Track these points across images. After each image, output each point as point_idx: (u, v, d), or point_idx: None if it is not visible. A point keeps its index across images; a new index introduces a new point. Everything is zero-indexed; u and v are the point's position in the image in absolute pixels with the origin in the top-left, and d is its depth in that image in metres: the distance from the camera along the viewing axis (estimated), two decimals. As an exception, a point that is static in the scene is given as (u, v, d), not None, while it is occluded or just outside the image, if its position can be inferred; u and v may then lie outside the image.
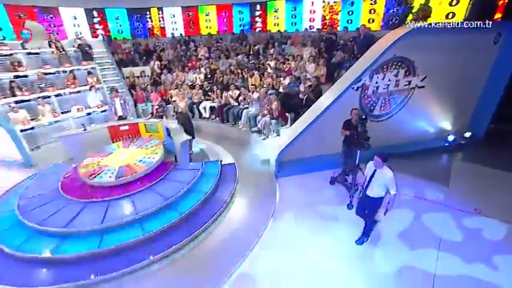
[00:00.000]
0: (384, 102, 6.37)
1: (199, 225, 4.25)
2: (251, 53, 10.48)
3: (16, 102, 7.41)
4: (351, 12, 10.96)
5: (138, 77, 9.91)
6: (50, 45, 8.92)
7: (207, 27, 13.56)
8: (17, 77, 7.86)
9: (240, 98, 7.96)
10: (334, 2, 11.19)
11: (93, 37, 12.32)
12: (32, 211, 4.39)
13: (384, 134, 6.21)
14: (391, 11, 9.83)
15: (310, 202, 5.00)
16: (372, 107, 6.28)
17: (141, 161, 5.29)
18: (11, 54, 8.09)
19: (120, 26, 13.15)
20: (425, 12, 7.42)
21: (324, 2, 11.42)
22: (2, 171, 6.62)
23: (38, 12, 11.28)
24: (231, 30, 13.35)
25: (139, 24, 13.46)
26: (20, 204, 4.60)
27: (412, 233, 4.21)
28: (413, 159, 6.25)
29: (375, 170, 3.60)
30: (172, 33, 13.06)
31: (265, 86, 7.96)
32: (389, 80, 6.08)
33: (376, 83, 6.00)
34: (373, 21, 10.40)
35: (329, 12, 11.47)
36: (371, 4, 10.32)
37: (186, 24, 13.66)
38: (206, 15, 13.53)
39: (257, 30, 13.14)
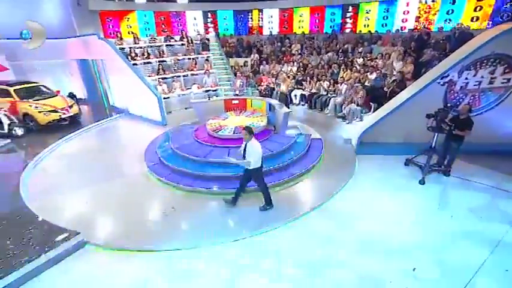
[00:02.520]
0: (473, 99, 6.58)
1: (294, 173, 5.69)
2: (341, 51, 11.46)
3: (161, 78, 10.24)
4: (450, 11, 10.80)
5: (241, 66, 12.06)
6: (181, 39, 11.78)
7: (299, 27, 15.02)
8: (161, 61, 10.79)
9: (330, 88, 9.12)
10: (433, 1, 11.18)
11: (205, 33, 15.20)
12: (182, 147, 6.53)
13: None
14: (504, 7, 9.41)
15: (385, 175, 5.84)
16: (458, 103, 6.61)
17: (251, 124, 7.03)
18: (159, 46, 11.09)
19: (227, 24, 15.74)
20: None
21: (420, 2, 11.51)
22: (148, 126, 9.38)
23: (171, 16, 14.62)
24: (322, 30, 14.46)
25: (241, 24, 15.85)
26: (173, 143, 6.81)
27: (485, 210, 4.70)
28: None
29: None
30: (270, 31, 14.97)
31: (352, 79, 8.92)
32: (482, 77, 6.28)
33: (466, 79, 6.31)
34: (477, 19, 10.08)
35: (425, 12, 11.51)
36: (477, 1, 10.00)
37: (281, 24, 15.41)
38: (300, 16, 14.99)
39: (347, 30, 13.93)
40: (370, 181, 5.66)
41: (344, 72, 9.49)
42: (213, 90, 10.79)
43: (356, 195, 5.24)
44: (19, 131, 8.43)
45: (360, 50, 10.83)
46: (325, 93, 9.29)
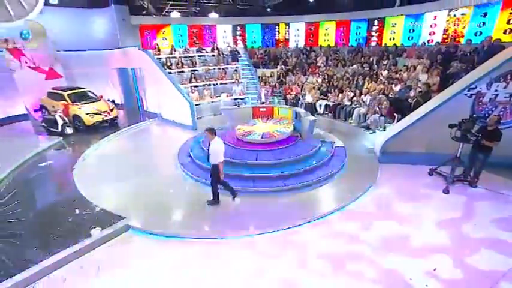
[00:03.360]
0: (504, 111, 6.53)
1: (318, 177, 5.99)
2: (365, 63, 11.69)
3: (193, 86, 11.02)
4: (481, 24, 10.70)
5: (268, 76, 12.64)
6: (212, 50, 12.62)
7: (325, 40, 15.44)
8: (193, 70, 11.61)
9: (354, 98, 9.37)
10: (462, 14, 11.15)
11: (235, 45, 16.06)
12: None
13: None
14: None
15: (407, 182, 5.98)
16: (487, 114, 6.60)
17: (277, 130, 7.45)
18: (192, 57, 11.97)
19: (255, 37, 16.54)
20: None
21: (449, 15, 11.53)
22: (179, 130, 10.09)
23: (203, 29, 15.67)
24: (347, 43, 14.78)
25: (269, 36, 16.58)
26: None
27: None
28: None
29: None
30: (296, 44, 15.55)
31: (376, 90, 9.12)
32: (514, 89, 6.26)
33: (496, 91, 6.33)
34: (510, 31, 9.90)
35: (454, 25, 11.48)
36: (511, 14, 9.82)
37: (306, 37, 15.94)
38: (326, 29, 15.44)
39: (372, 43, 14.15)
40: (393, 188, 5.82)
41: (368, 84, 9.71)
42: (241, 99, 11.42)
43: (378, 199, 5.43)
44: (69, 130, 9.47)
45: (384, 62, 11.01)
46: (349, 103, 9.54)
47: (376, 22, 14.06)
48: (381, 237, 4.37)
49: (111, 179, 6.52)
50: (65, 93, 10.20)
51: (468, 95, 6.37)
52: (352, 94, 9.57)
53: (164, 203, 5.52)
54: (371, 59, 11.82)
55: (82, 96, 10.55)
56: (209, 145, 5.08)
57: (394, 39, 13.43)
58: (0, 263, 3.88)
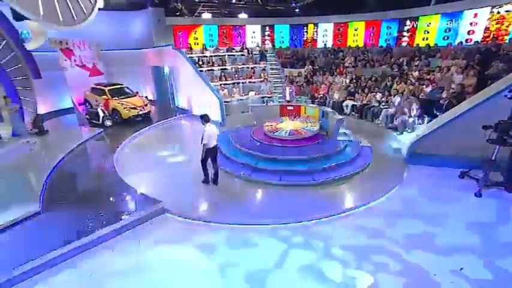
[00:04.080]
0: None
1: (345, 174, 6.10)
2: (395, 64, 11.45)
3: (223, 84, 11.47)
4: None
5: (295, 76, 12.80)
6: (241, 49, 13.02)
7: (353, 40, 15.26)
8: (223, 69, 12.08)
9: (382, 99, 9.28)
10: (507, 11, 10.55)
11: (263, 45, 16.37)
12: (241, 143, 7.38)
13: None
14: None
15: (436, 184, 5.88)
16: (528, 117, 6.31)
17: (304, 128, 7.62)
18: (222, 56, 12.45)
19: (283, 37, 16.73)
20: None
21: (491, 12, 10.95)
22: (208, 126, 10.53)
23: (233, 29, 16.15)
24: (377, 44, 14.49)
25: (297, 37, 16.70)
26: (234, 140, 7.69)
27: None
28: None
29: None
30: (325, 44, 15.54)
31: (406, 91, 8.96)
32: None
33: (543, 93, 6.02)
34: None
35: (497, 23, 10.90)
36: None
37: (335, 37, 15.85)
38: (355, 30, 15.25)
39: (403, 44, 13.77)
40: (420, 188, 5.77)
41: (398, 85, 9.54)
42: (268, 97, 11.72)
43: (404, 199, 5.43)
44: (108, 123, 10.29)
45: (416, 63, 10.73)
46: (377, 104, 9.46)
47: (408, 22, 13.67)
48: (406, 235, 4.41)
49: (147, 167, 7.08)
50: (106, 89, 11.09)
51: (509, 96, 6.11)
52: (380, 95, 9.47)
53: (194, 190, 5.93)
54: (401, 59, 11.55)
55: (120, 92, 11.39)
56: (203, 131, 5.67)
57: (427, 39, 12.98)
58: (59, 230, 4.45)
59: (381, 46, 13.94)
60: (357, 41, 15.17)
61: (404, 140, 7.60)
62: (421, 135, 6.78)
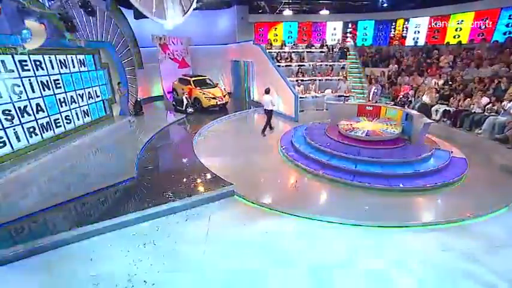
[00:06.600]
0: None
1: (429, 183, 5.38)
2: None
3: (300, 80, 11.43)
4: None
5: (378, 76, 11.83)
6: (321, 46, 12.68)
7: (455, 36, 13.15)
8: (300, 65, 11.99)
9: (488, 105, 7.79)
10: None
11: (344, 43, 15.61)
12: (314, 139, 7.22)
13: None
14: None
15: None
16: None
17: (384, 130, 6.99)
18: (301, 52, 12.38)
19: (366, 34, 15.64)
20: None
21: None
22: (281, 120, 10.67)
23: (313, 26, 15.87)
24: (490, 38, 12.13)
25: (382, 34, 15.37)
26: (307, 135, 7.57)
27: None
28: None
29: None
30: (415, 41, 13.90)
31: (525, 97, 7.29)
32: None
33: None
34: None
35: None
36: None
37: (429, 33, 13.97)
38: (457, 23, 13.11)
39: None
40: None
41: (512, 89, 7.81)
42: (345, 96, 11.13)
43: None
44: (190, 109, 11.43)
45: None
46: (479, 110, 7.95)
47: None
48: (509, 266, 3.62)
49: (222, 152, 7.62)
50: (191, 79, 12.30)
51: None
52: (487, 99, 7.92)
53: (265, 178, 6.11)
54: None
55: (203, 83, 12.47)
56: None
57: None
58: (147, 194, 5.16)
59: (496, 41, 11.54)
60: (459, 36, 13.02)
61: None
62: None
